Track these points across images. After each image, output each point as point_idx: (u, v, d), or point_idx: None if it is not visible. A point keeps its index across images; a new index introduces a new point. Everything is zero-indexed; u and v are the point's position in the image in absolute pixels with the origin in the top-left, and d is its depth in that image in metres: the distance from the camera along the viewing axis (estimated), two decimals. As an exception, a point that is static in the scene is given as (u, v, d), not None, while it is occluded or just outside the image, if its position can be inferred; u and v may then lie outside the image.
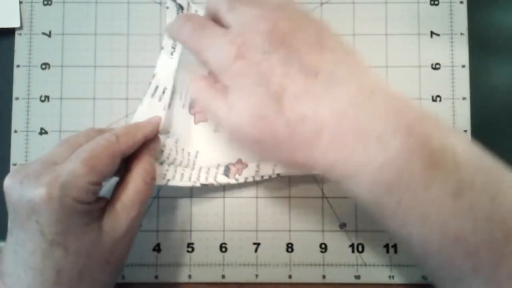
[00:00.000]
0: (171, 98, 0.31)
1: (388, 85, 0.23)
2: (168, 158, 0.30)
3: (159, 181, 0.29)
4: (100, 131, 0.27)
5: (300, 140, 0.22)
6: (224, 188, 0.33)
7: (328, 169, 0.22)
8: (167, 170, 0.30)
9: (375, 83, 0.22)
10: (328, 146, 0.21)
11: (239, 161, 0.31)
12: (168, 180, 0.30)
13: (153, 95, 0.31)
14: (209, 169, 0.31)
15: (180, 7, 0.31)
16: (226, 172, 0.31)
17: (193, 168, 0.31)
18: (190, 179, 0.30)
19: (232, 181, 0.31)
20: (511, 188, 0.21)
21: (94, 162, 0.23)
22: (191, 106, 0.32)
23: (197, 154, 0.31)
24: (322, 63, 0.22)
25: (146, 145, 0.28)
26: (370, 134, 0.21)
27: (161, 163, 0.30)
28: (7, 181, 0.23)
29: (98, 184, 0.23)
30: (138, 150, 0.27)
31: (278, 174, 0.32)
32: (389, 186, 0.20)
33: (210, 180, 0.31)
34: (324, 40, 0.23)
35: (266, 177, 0.32)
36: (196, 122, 0.32)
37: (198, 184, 0.30)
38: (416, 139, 0.20)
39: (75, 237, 0.22)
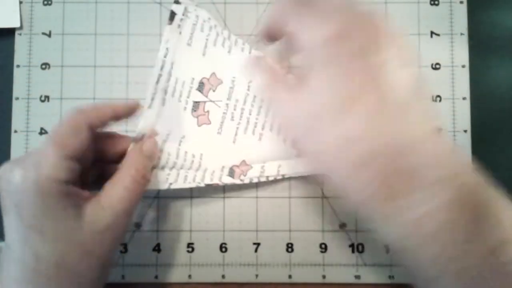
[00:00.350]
0: (168, 101, 0.31)
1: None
2: (167, 162, 0.30)
3: (162, 186, 0.30)
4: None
5: (346, 158, 0.20)
6: (224, 188, 0.33)
7: (367, 196, 0.21)
8: (169, 174, 0.30)
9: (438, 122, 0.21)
10: (373, 175, 0.20)
11: (243, 162, 0.31)
12: (171, 183, 0.30)
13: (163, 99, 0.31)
14: (214, 171, 0.31)
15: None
16: (231, 174, 0.31)
17: (197, 170, 0.31)
18: (194, 180, 0.30)
19: (237, 181, 0.31)
20: None
21: (60, 137, 0.23)
22: (193, 109, 0.32)
23: (202, 156, 0.31)
24: (400, 85, 0.20)
25: (139, 144, 0.28)
26: (421, 179, 0.20)
27: (162, 168, 0.30)
28: (1, 168, 0.23)
29: (70, 158, 0.23)
30: (133, 149, 0.27)
31: (283, 175, 0.32)
32: (430, 236, 0.19)
33: (215, 181, 0.31)
34: (404, 58, 0.21)
35: (271, 178, 0.32)
36: (199, 125, 0.32)
37: (202, 184, 0.30)
38: (462, 188, 0.19)
39: (53, 221, 0.22)
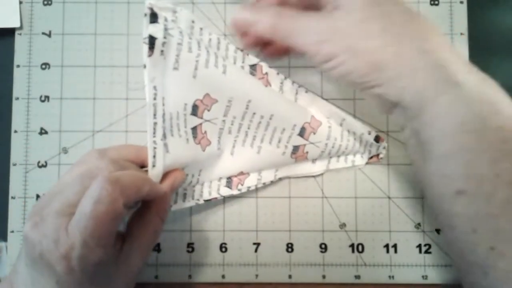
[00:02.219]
0: (170, 145, 0.26)
1: None
2: None
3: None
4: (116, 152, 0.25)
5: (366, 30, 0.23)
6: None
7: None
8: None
9: None
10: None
11: (241, 173, 0.31)
12: (171, 206, 0.29)
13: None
14: (211, 182, 0.31)
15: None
16: (229, 184, 0.31)
17: (195, 185, 0.31)
18: (193, 198, 0.30)
19: (235, 192, 0.31)
20: None
21: (100, 230, 0.21)
22: (194, 136, 0.28)
23: (200, 172, 0.30)
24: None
25: (168, 183, 0.26)
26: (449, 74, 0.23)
27: None
28: (27, 230, 0.22)
29: (109, 242, 0.22)
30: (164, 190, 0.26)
31: (279, 178, 0.32)
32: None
33: (214, 194, 0.31)
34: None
35: (268, 183, 0.32)
36: (203, 149, 0.29)
37: (201, 201, 0.30)
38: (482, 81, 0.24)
39: (94, 282, 0.22)
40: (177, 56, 0.26)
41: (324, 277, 0.32)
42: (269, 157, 0.31)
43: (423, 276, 0.32)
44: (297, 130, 0.30)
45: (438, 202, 0.23)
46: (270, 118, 0.30)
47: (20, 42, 0.34)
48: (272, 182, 0.32)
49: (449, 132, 0.22)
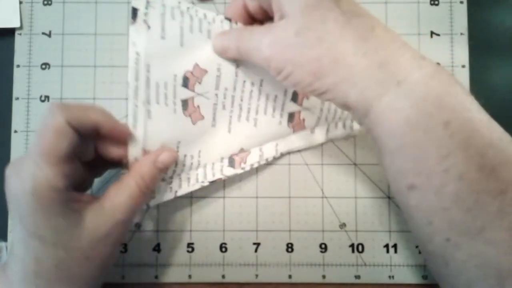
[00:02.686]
0: (154, 112, 0.27)
1: None
2: (167, 173, 0.29)
3: (168, 196, 0.29)
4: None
5: (353, 29, 0.23)
6: (224, 188, 0.33)
7: (365, 84, 0.23)
8: (171, 182, 0.30)
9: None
10: (370, 51, 0.23)
11: (241, 150, 0.31)
12: (176, 191, 0.30)
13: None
14: (213, 164, 0.31)
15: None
16: (231, 163, 0.31)
17: (197, 168, 0.31)
18: (197, 181, 0.30)
19: (238, 171, 0.31)
20: None
21: (47, 144, 0.22)
22: (183, 108, 0.29)
23: (200, 153, 0.30)
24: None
25: (153, 154, 0.27)
26: (403, 71, 0.22)
27: (163, 180, 0.29)
28: (6, 176, 0.23)
29: (63, 163, 0.23)
30: (144, 159, 0.26)
31: (281, 153, 0.32)
32: (410, 122, 0.22)
33: (218, 175, 0.31)
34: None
35: (270, 159, 0.32)
36: (194, 123, 0.29)
37: (206, 183, 0.30)
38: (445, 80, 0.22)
39: (53, 229, 0.23)
40: (162, 25, 0.27)
41: (324, 277, 0.32)
42: (267, 129, 0.31)
43: (423, 276, 0.32)
44: (289, 96, 0.31)
45: (396, 195, 0.24)
46: (261, 85, 0.30)
47: (20, 42, 0.34)
48: (275, 159, 0.32)
49: (395, 130, 0.22)
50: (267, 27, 0.25)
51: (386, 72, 0.22)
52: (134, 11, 0.27)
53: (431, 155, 0.21)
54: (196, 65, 0.28)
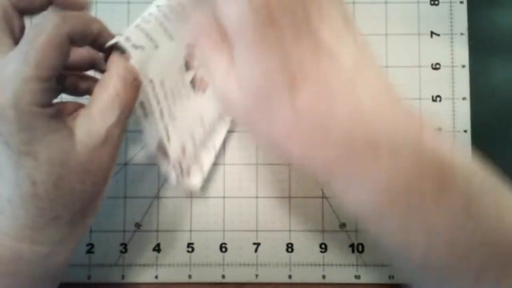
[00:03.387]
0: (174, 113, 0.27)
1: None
2: (182, 158, 0.28)
3: (195, 192, 0.30)
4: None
5: (301, 132, 0.20)
6: (224, 188, 0.33)
7: (324, 168, 0.20)
8: (188, 172, 0.29)
9: (392, 87, 0.21)
10: (332, 146, 0.20)
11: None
12: (200, 181, 0.31)
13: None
14: (215, 126, 0.32)
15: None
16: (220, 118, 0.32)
17: (208, 134, 0.31)
18: (214, 148, 0.31)
19: (227, 120, 0.32)
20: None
21: (39, 58, 0.20)
22: (193, 88, 0.28)
23: (202, 121, 0.30)
24: (349, 51, 0.20)
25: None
26: (384, 144, 0.19)
27: (188, 174, 0.29)
28: None
29: (50, 79, 0.20)
30: (116, 55, 0.23)
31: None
32: (396, 198, 0.19)
33: (223, 134, 0.32)
34: (351, 26, 0.21)
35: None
36: (203, 94, 0.29)
37: (217, 148, 0.32)
38: (427, 153, 0.19)
39: (44, 145, 0.20)
40: (146, 35, 0.24)
41: (324, 277, 0.32)
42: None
43: (423, 276, 0.32)
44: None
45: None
46: None
47: (20, 42, 0.34)
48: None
49: None
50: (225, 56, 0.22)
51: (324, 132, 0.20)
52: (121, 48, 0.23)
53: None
54: (187, 45, 0.27)
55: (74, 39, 0.21)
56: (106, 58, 0.24)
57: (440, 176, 0.19)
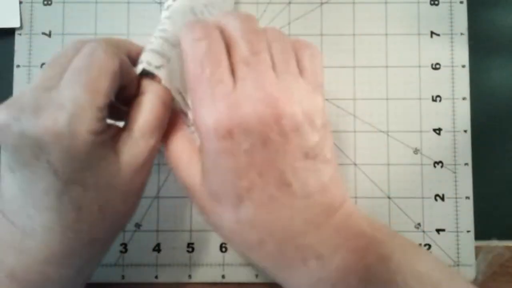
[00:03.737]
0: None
1: (345, 194, 0.23)
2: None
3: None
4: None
5: (241, 240, 0.22)
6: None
7: (264, 266, 0.23)
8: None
9: (337, 198, 0.22)
10: (268, 254, 0.22)
11: None
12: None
13: None
14: None
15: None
16: None
17: None
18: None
19: None
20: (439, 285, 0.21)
21: (96, 85, 0.20)
22: None
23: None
24: (299, 172, 0.21)
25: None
26: (313, 253, 0.21)
27: None
28: (0, 118, 0.19)
29: (105, 108, 0.21)
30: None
31: None
32: None
33: None
34: (317, 148, 0.21)
35: None
36: None
37: None
38: (353, 254, 0.21)
39: (93, 172, 0.20)
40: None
41: (324, 277, 0.32)
42: None
43: (423, 276, 0.32)
44: None
45: None
46: None
47: (20, 42, 0.34)
48: None
49: None
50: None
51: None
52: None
53: None
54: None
55: (123, 69, 0.22)
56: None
57: (366, 271, 0.21)
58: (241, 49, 0.21)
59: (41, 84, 0.20)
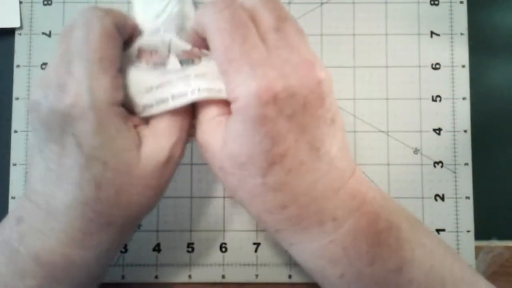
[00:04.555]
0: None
1: (356, 168, 0.23)
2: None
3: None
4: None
5: (262, 203, 0.22)
6: (224, 187, 0.33)
7: (279, 229, 0.22)
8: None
9: (350, 163, 0.23)
10: (286, 218, 0.22)
11: None
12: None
13: None
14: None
15: None
16: None
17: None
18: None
19: None
20: (444, 259, 0.22)
21: (98, 51, 0.20)
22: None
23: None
24: (326, 137, 0.21)
25: None
26: (330, 216, 0.21)
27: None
28: (33, 97, 0.21)
29: (116, 72, 0.21)
30: None
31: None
32: (334, 260, 0.21)
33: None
34: (336, 115, 0.22)
35: None
36: None
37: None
38: (365, 218, 0.21)
39: (114, 152, 0.21)
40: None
41: (324, 277, 0.32)
42: None
43: (423, 276, 0.32)
44: None
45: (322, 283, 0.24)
46: None
47: (20, 42, 0.34)
48: None
49: None
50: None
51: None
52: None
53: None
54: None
55: (120, 30, 0.22)
56: None
57: (376, 235, 0.21)
58: (267, 17, 0.21)
59: (59, 60, 0.21)
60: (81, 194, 0.21)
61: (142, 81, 0.23)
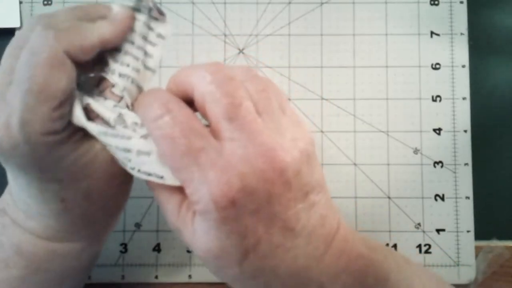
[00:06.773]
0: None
1: (343, 226, 0.22)
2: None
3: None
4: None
5: (248, 286, 0.21)
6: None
7: None
8: None
9: (333, 224, 0.21)
10: None
11: None
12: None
13: None
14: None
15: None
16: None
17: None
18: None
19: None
20: None
21: (42, 81, 0.18)
22: None
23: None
24: (301, 213, 0.20)
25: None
26: (315, 283, 0.20)
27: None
28: None
29: (60, 104, 0.18)
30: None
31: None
32: None
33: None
34: (310, 192, 0.20)
35: None
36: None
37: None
38: (352, 278, 0.21)
39: (66, 167, 0.19)
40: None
41: (324, 277, 0.32)
42: None
43: (423, 276, 0.32)
44: None
45: None
46: None
47: (20, 42, 0.34)
48: None
49: None
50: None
51: None
52: None
53: None
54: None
55: (72, 55, 0.19)
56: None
57: None
58: (220, 104, 0.18)
59: (1, 79, 0.19)
60: (49, 207, 0.20)
61: (101, 112, 0.20)
